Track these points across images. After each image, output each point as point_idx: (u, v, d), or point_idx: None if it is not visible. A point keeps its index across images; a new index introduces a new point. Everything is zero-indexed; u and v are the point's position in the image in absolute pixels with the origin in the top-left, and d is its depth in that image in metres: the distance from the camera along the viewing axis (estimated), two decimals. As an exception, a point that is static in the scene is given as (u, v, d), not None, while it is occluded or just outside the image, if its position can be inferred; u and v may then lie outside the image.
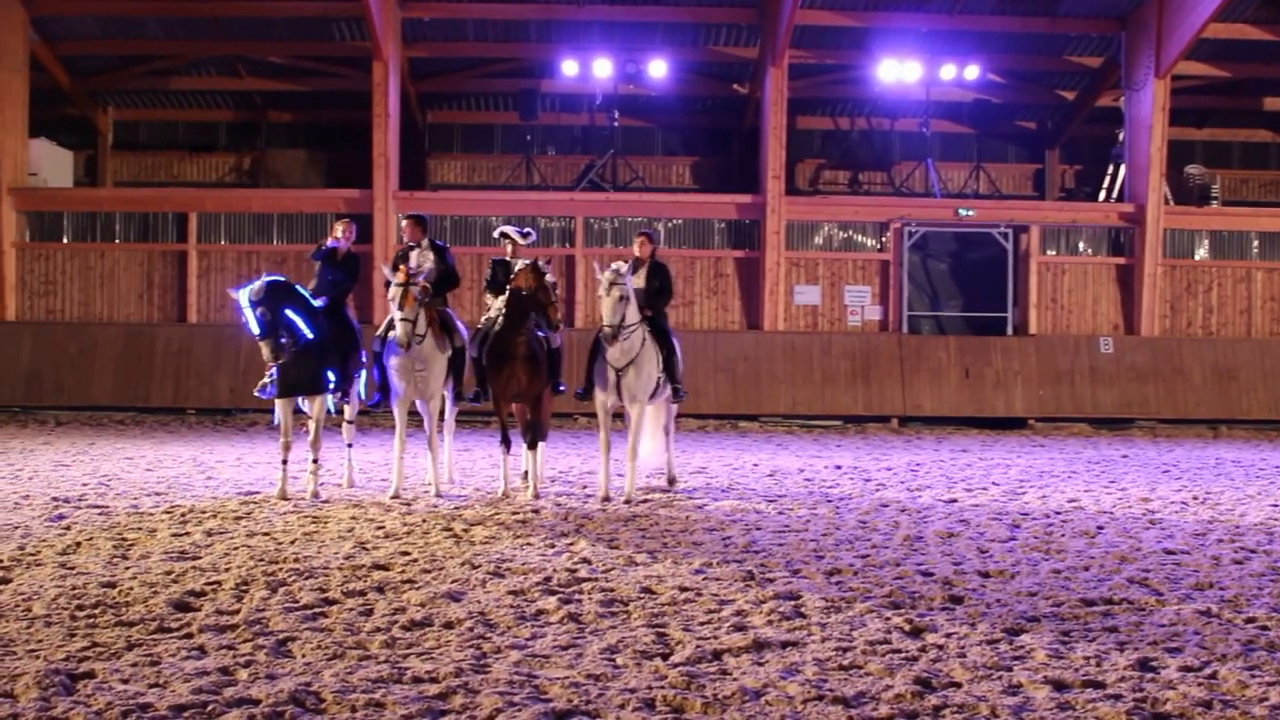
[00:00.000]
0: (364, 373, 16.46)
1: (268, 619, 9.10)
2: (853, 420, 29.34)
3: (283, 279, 15.30)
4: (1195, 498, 16.99)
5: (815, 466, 20.26)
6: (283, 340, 14.91)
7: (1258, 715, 7.26)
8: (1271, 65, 32.63)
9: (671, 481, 16.98)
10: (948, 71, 32.06)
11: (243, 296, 14.84)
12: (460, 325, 16.44)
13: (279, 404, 15.56)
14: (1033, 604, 9.98)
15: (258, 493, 15.91)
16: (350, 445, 17.00)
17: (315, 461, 15.70)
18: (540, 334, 15.79)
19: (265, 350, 14.98)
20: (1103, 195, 33.28)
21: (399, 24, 30.90)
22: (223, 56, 33.12)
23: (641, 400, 15.87)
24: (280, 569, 10.88)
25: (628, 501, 15.43)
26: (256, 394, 15.94)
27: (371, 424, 26.04)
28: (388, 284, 15.56)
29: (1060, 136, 35.66)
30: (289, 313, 15.02)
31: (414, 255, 15.60)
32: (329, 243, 16.35)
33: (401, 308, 15.04)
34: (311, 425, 15.71)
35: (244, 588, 10.11)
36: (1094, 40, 32.34)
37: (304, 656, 8.19)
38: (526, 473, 16.45)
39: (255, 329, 14.82)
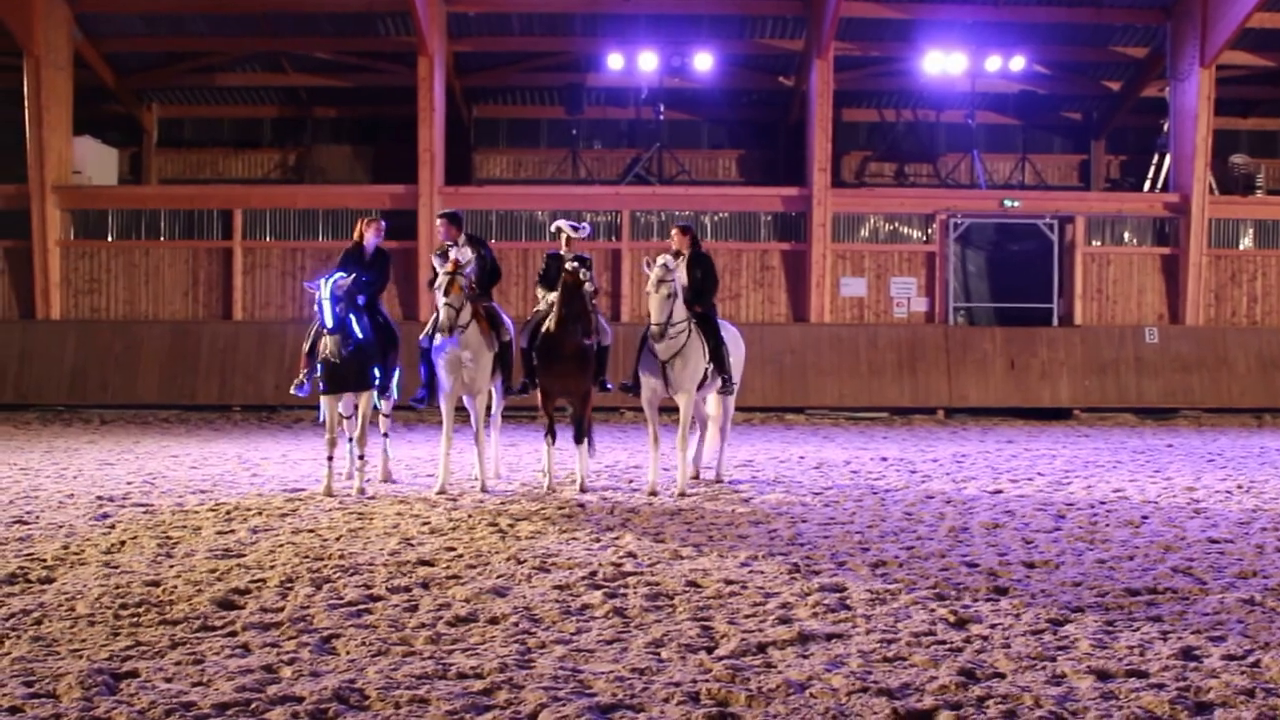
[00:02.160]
0: (397, 373, 16.51)
1: (312, 616, 9.12)
2: (899, 412, 29.33)
3: (348, 277, 15.37)
4: (1240, 486, 16.95)
5: (861, 458, 20.25)
6: (344, 339, 15.02)
7: (1302, 704, 7.26)
8: (1319, 54, 32.47)
9: (718, 480, 16.98)
10: (993, 63, 31.94)
11: (325, 288, 14.90)
12: (506, 320, 16.45)
13: (325, 401, 15.61)
14: (1077, 594, 9.97)
15: (303, 489, 15.97)
16: (386, 435, 17.02)
17: (361, 458, 15.79)
18: (590, 332, 15.81)
19: (330, 345, 15.05)
20: (1148, 185, 33.14)
21: (444, 19, 30.95)
22: (267, 52, 33.16)
23: (689, 391, 15.89)
24: (325, 566, 10.90)
25: (682, 495, 15.47)
26: (293, 391, 16.00)
27: (417, 419, 26.14)
28: (432, 282, 15.62)
29: (1105, 127, 35.53)
30: (348, 313, 15.13)
31: (452, 252, 15.58)
32: (368, 241, 16.36)
33: (447, 294, 15.06)
34: (357, 422, 15.80)
35: (288, 585, 10.13)
36: (1139, 30, 32.17)
37: (348, 653, 8.21)
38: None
39: (329, 322, 14.88)
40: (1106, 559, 11.50)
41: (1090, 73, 34.33)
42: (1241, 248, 31.54)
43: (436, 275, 15.41)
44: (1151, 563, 11.32)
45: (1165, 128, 32.31)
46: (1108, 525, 13.49)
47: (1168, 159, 32.03)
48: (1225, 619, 9.18)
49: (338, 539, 12.34)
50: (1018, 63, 32.10)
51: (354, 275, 15.37)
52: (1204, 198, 30.76)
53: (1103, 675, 7.76)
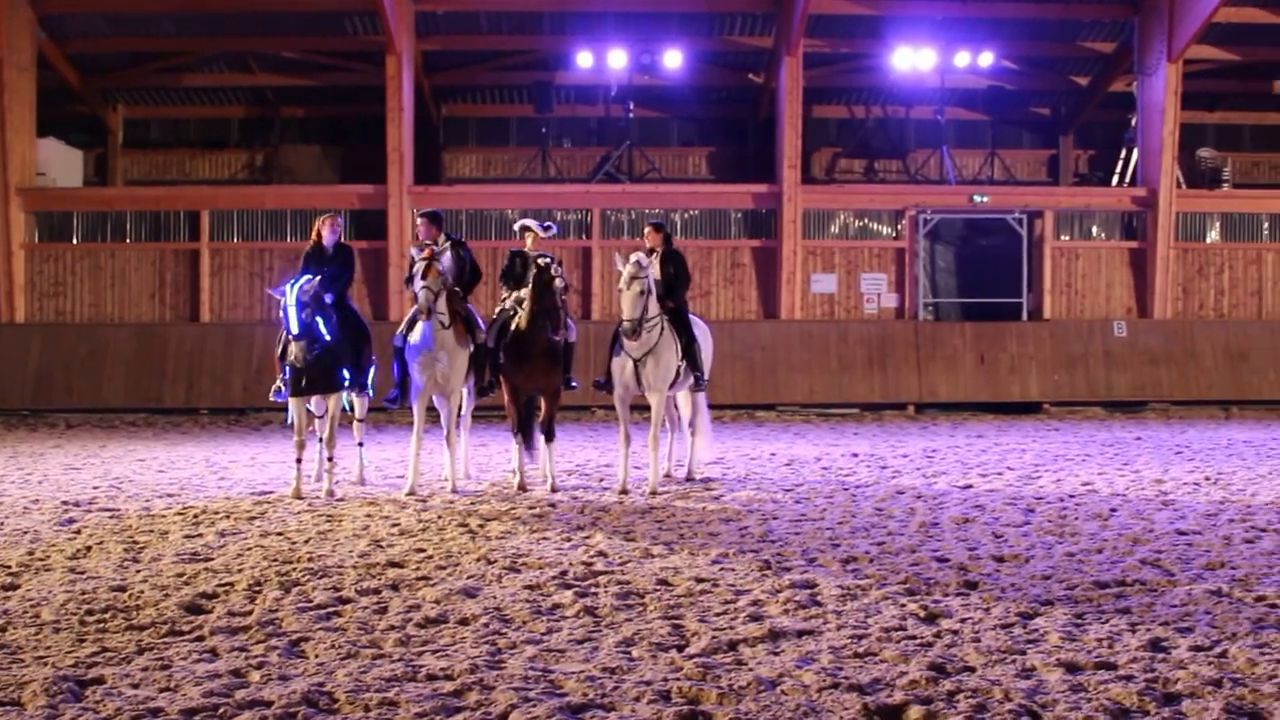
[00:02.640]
0: (373, 369, 16.46)
1: (281, 620, 9.07)
2: (869, 408, 29.39)
3: (316, 278, 15.30)
4: (1207, 478, 17.09)
5: (832, 455, 20.28)
6: (313, 341, 14.95)
7: (1267, 693, 7.30)
8: (1283, 48, 32.65)
9: (690, 478, 16.97)
10: (962, 58, 32.04)
11: (290, 294, 14.84)
12: (481, 322, 16.42)
13: (293, 403, 15.52)
14: (1047, 587, 10.01)
15: (272, 492, 15.87)
16: (361, 444, 16.93)
17: (330, 460, 15.70)
18: (559, 330, 15.82)
19: (297, 350, 14.99)
20: (1116, 180, 33.27)
21: (412, 17, 30.86)
22: (234, 52, 32.98)
23: (660, 390, 15.86)
24: (294, 569, 10.84)
25: (653, 494, 15.46)
26: (272, 398, 15.96)
27: (387, 420, 26.07)
28: (409, 279, 15.62)
29: (1074, 122, 35.63)
30: (317, 314, 15.06)
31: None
32: (327, 239, 16.25)
33: (424, 277, 15.09)
34: (326, 424, 15.73)
35: (257, 588, 10.07)
36: (1106, 25, 32.28)
37: (317, 656, 8.16)
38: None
39: (295, 329, 14.81)
40: (1075, 552, 11.54)
41: (1058, 68, 34.43)
42: (1209, 241, 31.71)
43: (414, 266, 15.42)
44: (1120, 555, 11.37)
45: (1133, 122, 32.44)
46: (1077, 518, 13.56)
47: (1135, 153, 32.16)
48: (1193, 610, 9.23)
49: (306, 542, 12.28)
50: (986, 58, 32.21)
51: (318, 276, 15.31)
52: (1171, 191, 30.91)
53: (1072, 668, 7.79)
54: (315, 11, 31.03)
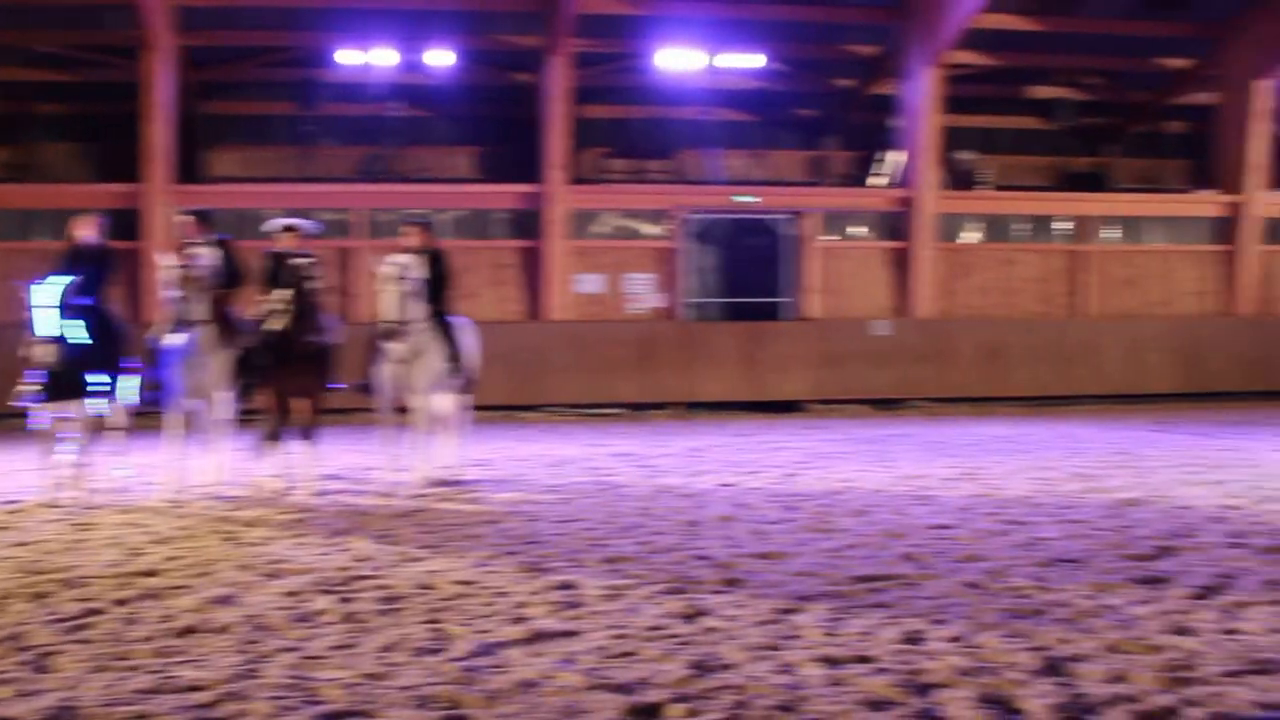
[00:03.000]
0: (131, 373, 16.05)
1: (28, 633, 8.79)
2: (636, 408, 29.48)
3: (72, 279, 14.87)
4: (963, 473, 17.44)
5: (597, 455, 20.31)
6: (66, 344, 14.56)
7: (1017, 679, 7.48)
8: (1038, 55, 33.52)
9: (450, 479, 16.82)
10: (731, 60, 32.32)
11: (42, 295, 14.41)
12: (243, 324, 16.12)
13: (45, 409, 15.07)
14: (807, 583, 10.12)
15: (20, 501, 15.30)
16: (116, 450, 16.49)
17: (82, 466, 15.27)
18: (320, 332, 15.66)
19: (49, 354, 14.55)
20: (879, 181, 33.81)
21: (172, 12, 30.22)
22: (-15, 46, 32.06)
23: (426, 391, 15.76)
24: (43, 580, 10.50)
25: (416, 496, 15.31)
26: (19, 403, 15.41)
27: (146, 425, 25.49)
28: (169, 280, 15.29)
29: (840, 124, 36.07)
30: (71, 317, 14.66)
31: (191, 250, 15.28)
32: (84, 240, 15.85)
33: (180, 286, 14.78)
34: (79, 429, 15.29)
35: (3, 602, 9.74)
36: (870, 29, 32.79)
37: (67, 670, 7.91)
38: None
39: (44, 330, 14.40)
40: (836, 548, 11.70)
41: (825, 70, 34.86)
42: (968, 241, 32.43)
43: (175, 266, 15.09)
44: (879, 550, 11.56)
45: (895, 124, 33.01)
46: (837, 515, 13.75)
47: (897, 155, 32.73)
48: (948, 603, 9.41)
49: (57, 552, 11.92)
50: (754, 60, 32.53)
51: (73, 278, 14.91)
52: (932, 193, 31.54)
53: (831, 662, 7.90)
54: (71, 5, 30.25)
